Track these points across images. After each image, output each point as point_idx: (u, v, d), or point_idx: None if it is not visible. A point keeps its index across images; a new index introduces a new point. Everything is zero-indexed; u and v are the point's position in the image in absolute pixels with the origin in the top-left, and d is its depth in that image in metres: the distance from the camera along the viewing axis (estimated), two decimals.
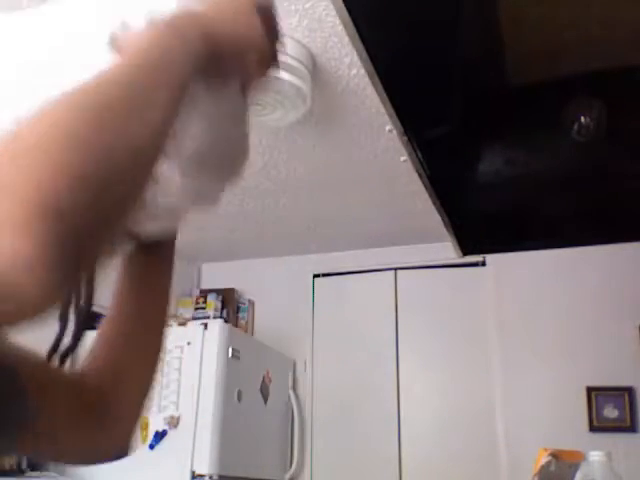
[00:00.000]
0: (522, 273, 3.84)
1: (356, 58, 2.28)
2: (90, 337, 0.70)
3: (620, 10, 2.20)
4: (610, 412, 3.47)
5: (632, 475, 2.74)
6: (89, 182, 0.40)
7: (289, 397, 3.94)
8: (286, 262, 4.24)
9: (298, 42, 2.24)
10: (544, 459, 1.51)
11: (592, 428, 3.47)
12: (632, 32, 2.29)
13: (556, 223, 3.59)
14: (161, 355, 0.76)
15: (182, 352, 3.17)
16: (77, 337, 0.69)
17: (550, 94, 2.63)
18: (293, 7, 2.10)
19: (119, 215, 0.45)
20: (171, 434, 3.06)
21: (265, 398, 3.61)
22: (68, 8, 0.60)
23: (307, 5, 2.08)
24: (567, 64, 2.47)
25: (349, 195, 3.44)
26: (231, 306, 4.13)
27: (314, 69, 2.35)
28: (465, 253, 3.94)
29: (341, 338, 4.04)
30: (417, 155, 2.86)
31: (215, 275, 4.38)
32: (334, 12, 2.07)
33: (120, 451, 0.73)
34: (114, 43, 0.54)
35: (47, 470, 3.04)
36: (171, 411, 3.08)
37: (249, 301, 4.22)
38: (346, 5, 1.99)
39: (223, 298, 4.11)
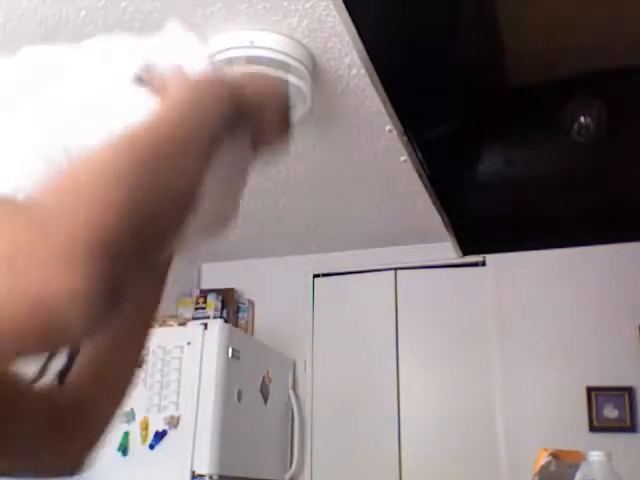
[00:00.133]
0: (522, 273, 3.84)
1: (356, 58, 2.28)
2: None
3: (619, 11, 2.20)
4: (610, 412, 3.47)
5: (632, 475, 2.75)
6: (133, 220, 0.44)
7: (289, 397, 3.94)
8: (286, 262, 4.24)
9: (298, 42, 2.24)
10: (544, 459, 1.51)
11: (592, 428, 3.47)
12: (632, 33, 2.29)
13: (556, 223, 3.58)
14: (136, 373, 0.76)
15: (182, 352, 3.17)
16: (73, 355, 0.69)
17: (550, 94, 2.63)
18: (293, 7, 2.10)
19: (157, 250, 0.50)
20: (171, 434, 3.06)
21: (265, 398, 3.60)
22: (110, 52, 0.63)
23: (307, 5, 2.08)
24: (567, 64, 2.47)
25: (349, 195, 3.44)
26: (231, 306, 4.13)
27: (314, 69, 2.35)
28: (465, 253, 3.94)
29: (341, 338, 4.04)
30: (417, 155, 2.86)
31: (215, 275, 4.38)
32: (334, 12, 2.07)
33: (77, 466, 0.71)
34: (150, 84, 0.59)
35: None
36: (171, 411, 3.08)
37: (249, 301, 4.22)
38: (346, 5, 1.99)
39: (223, 298, 4.11)
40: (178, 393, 3.11)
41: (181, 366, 3.14)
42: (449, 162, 3.05)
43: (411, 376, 3.87)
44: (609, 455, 1.49)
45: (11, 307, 0.39)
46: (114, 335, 0.72)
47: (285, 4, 2.09)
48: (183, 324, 3.34)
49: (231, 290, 4.18)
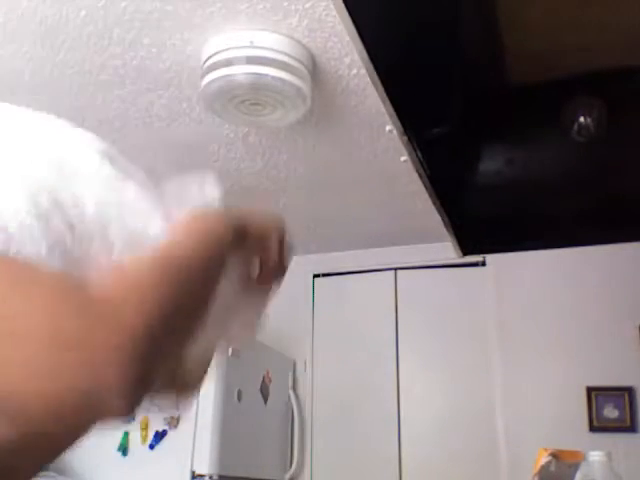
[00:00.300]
0: (522, 273, 3.84)
1: (356, 58, 2.28)
2: None
3: (619, 11, 2.20)
4: (610, 412, 3.47)
5: (632, 475, 2.75)
6: (172, 323, 0.53)
7: (289, 397, 3.94)
8: None
9: (298, 42, 2.24)
10: (544, 459, 1.51)
11: (592, 428, 3.47)
12: (632, 33, 2.29)
13: (556, 223, 3.58)
14: None
15: None
16: None
17: (550, 94, 2.63)
18: (293, 7, 2.10)
19: (181, 346, 0.61)
20: (171, 434, 3.06)
21: (265, 398, 3.60)
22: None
23: (307, 5, 2.08)
24: (567, 64, 2.48)
25: (349, 195, 3.44)
26: None
27: (314, 69, 2.35)
28: (465, 253, 3.94)
29: (341, 338, 4.04)
30: (417, 155, 2.86)
31: None
32: (334, 12, 2.07)
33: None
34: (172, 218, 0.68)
35: (46, 470, 3.04)
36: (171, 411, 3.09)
37: None
38: (346, 5, 1.99)
39: None
40: None
41: None
42: (449, 162, 3.05)
43: (411, 376, 3.87)
44: (609, 455, 1.49)
45: (50, 386, 0.45)
46: None
47: (285, 4, 2.08)
48: None
49: None
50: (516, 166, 3.06)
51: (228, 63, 2.21)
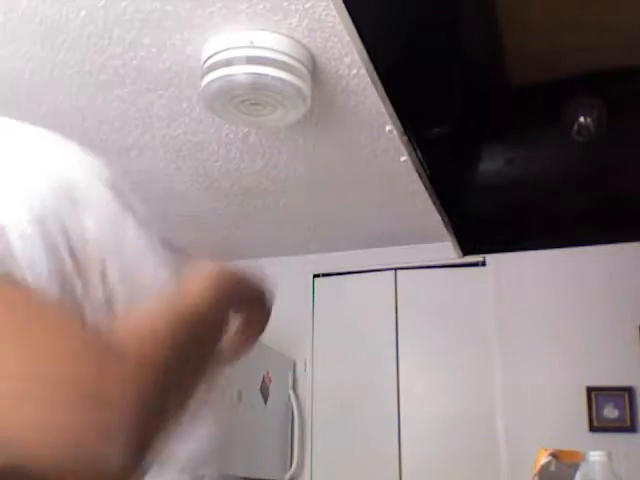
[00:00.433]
0: (522, 273, 3.84)
1: (356, 58, 2.28)
2: None
3: (619, 11, 2.20)
4: (610, 412, 3.47)
5: (632, 475, 2.74)
6: (175, 381, 0.52)
7: (289, 397, 3.94)
8: (286, 262, 4.24)
9: (298, 42, 2.24)
10: (544, 459, 1.51)
11: (592, 428, 3.47)
12: (631, 33, 2.29)
13: (556, 223, 3.59)
14: None
15: None
16: None
17: (550, 94, 2.63)
18: (293, 7, 2.09)
19: (176, 416, 0.58)
20: None
21: (265, 398, 3.60)
22: None
23: (307, 5, 2.08)
24: (567, 64, 2.48)
25: (349, 195, 3.44)
26: None
27: (314, 69, 2.35)
28: (465, 253, 3.94)
29: (341, 338, 4.04)
30: (417, 155, 2.86)
31: None
32: (334, 12, 2.07)
33: None
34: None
35: None
36: None
37: None
38: (346, 5, 1.99)
39: None
40: None
41: None
42: (449, 162, 3.05)
43: (411, 376, 3.87)
44: (609, 455, 1.49)
45: (51, 438, 0.43)
46: None
47: (285, 4, 2.08)
48: None
49: None
50: (516, 166, 3.06)
51: (228, 63, 2.21)
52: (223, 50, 2.22)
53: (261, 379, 3.58)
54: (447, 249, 3.90)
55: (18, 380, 0.44)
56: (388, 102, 2.48)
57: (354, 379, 3.92)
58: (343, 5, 1.99)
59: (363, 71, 2.34)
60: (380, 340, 3.95)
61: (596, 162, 3.02)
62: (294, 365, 4.05)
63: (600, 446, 1.69)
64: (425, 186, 3.16)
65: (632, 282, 3.60)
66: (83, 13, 2.13)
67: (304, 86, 2.29)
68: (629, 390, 3.47)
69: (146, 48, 2.29)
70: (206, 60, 2.26)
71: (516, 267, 3.85)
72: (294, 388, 3.99)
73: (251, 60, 2.21)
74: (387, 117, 2.61)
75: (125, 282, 0.59)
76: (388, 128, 2.71)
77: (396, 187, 3.29)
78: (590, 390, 3.51)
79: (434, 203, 3.33)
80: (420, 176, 3.06)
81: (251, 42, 2.20)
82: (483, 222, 3.68)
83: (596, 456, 1.49)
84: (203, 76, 2.28)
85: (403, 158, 2.93)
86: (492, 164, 3.12)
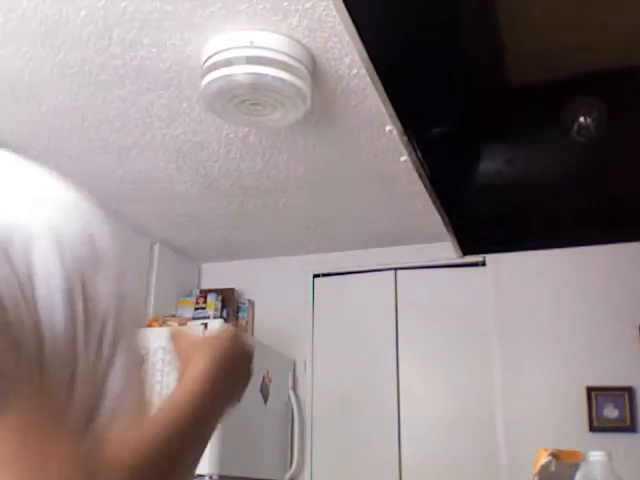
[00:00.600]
0: (522, 273, 3.84)
1: (356, 58, 2.28)
2: None
3: (619, 11, 2.20)
4: (610, 412, 3.47)
5: (632, 475, 2.74)
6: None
7: (289, 397, 3.94)
8: (286, 262, 4.24)
9: (298, 42, 2.24)
10: (544, 459, 1.51)
11: (592, 428, 3.47)
12: (631, 33, 2.29)
13: (556, 223, 3.59)
14: None
15: None
16: None
17: (550, 94, 2.63)
18: (293, 7, 2.09)
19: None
20: None
21: (265, 398, 3.60)
22: None
23: (307, 5, 2.08)
24: (567, 64, 2.47)
25: (349, 195, 3.44)
26: (231, 306, 4.13)
27: (314, 69, 2.35)
28: (465, 253, 3.94)
29: (341, 338, 4.04)
30: (417, 155, 2.86)
31: (215, 275, 4.38)
32: (334, 12, 2.07)
33: None
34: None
35: None
36: None
37: (249, 301, 4.22)
38: (346, 5, 1.99)
39: (223, 298, 4.11)
40: None
41: None
42: (449, 162, 3.05)
43: (411, 376, 3.87)
44: (609, 455, 1.49)
45: None
46: None
47: (285, 4, 2.08)
48: (183, 324, 3.34)
49: (231, 290, 4.18)
50: (516, 166, 3.06)
51: (228, 63, 2.21)
52: (223, 50, 2.22)
53: (261, 379, 3.58)
54: (447, 249, 3.91)
55: None
56: (388, 102, 2.48)
57: (354, 379, 3.92)
58: (343, 5, 1.99)
59: (363, 71, 2.34)
60: (380, 340, 3.96)
61: (596, 162, 3.02)
62: (294, 365, 4.05)
63: (600, 446, 1.68)
64: (425, 186, 3.16)
65: (632, 282, 3.60)
66: (83, 13, 2.13)
67: (304, 86, 2.29)
68: (629, 390, 3.47)
69: (146, 48, 2.29)
70: (206, 60, 2.26)
71: (516, 267, 3.85)
72: (294, 388, 3.99)
73: (251, 60, 2.21)
74: (387, 117, 2.61)
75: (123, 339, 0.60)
76: (388, 128, 2.71)
77: (396, 187, 3.29)
78: (590, 390, 3.52)
79: (434, 203, 3.33)
80: (420, 176, 3.06)
81: (251, 42, 2.20)
82: (483, 222, 3.68)
83: (596, 456, 1.49)
84: (203, 76, 2.28)
85: (403, 158, 2.93)
86: (492, 164, 3.12)
